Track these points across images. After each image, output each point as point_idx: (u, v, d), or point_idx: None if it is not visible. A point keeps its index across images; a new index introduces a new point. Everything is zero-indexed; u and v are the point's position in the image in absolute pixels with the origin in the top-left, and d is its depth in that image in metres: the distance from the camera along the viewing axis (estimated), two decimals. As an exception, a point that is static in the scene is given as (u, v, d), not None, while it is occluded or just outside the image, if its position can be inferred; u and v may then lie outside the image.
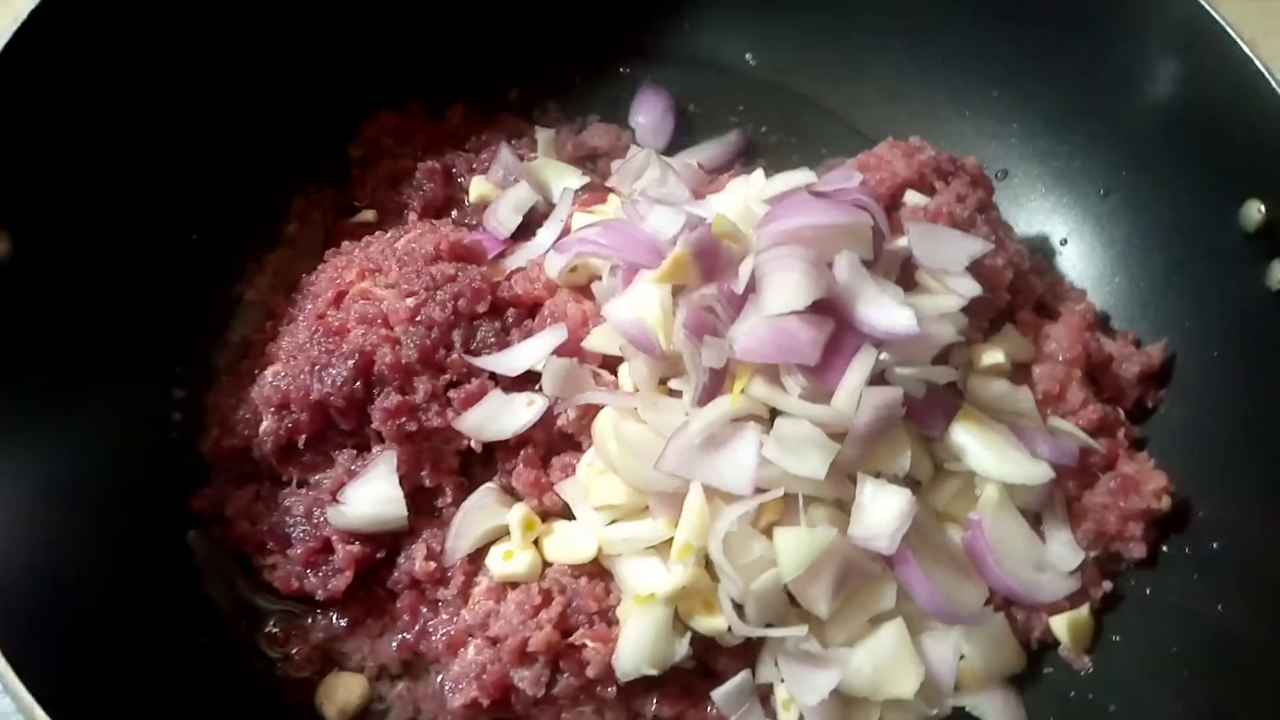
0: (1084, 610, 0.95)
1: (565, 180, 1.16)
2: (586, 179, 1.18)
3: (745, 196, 1.01)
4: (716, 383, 0.90)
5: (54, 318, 0.93)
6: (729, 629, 0.88)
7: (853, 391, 0.87)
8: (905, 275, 0.98)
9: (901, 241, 0.97)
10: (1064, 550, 0.96)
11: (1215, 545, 0.95)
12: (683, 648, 0.88)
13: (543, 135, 1.22)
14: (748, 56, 1.34)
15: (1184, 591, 0.96)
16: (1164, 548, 0.99)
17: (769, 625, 0.88)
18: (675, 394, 0.94)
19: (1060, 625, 0.95)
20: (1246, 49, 0.97)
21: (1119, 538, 0.97)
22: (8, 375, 0.86)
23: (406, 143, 1.20)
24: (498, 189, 1.15)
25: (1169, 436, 1.05)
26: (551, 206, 1.13)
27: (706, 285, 0.92)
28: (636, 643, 0.87)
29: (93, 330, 0.97)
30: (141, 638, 0.87)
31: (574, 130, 1.27)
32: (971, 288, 0.96)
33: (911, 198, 1.04)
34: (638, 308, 0.92)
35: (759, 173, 1.07)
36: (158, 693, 0.83)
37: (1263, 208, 0.97)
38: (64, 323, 0.93)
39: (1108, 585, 0.98)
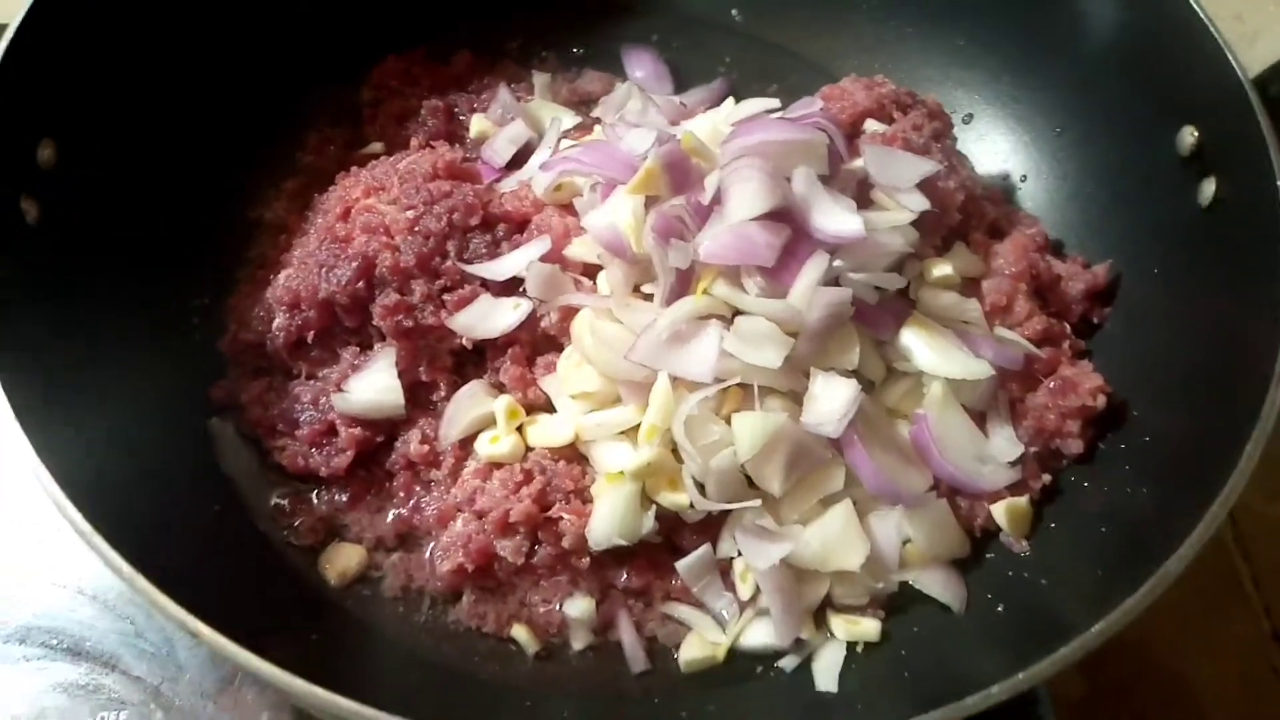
0: (1023, 499, 1.01)
1: (559, 118, 1.24)
2: (579, 119, 1.25)
3: (714, 120, 1.08)
4: (683, 284, 0.97)
5: (92, 226, 1.00)
6: (691, 505, 0.94)
7: (805, 291, 0.94)
8: (862, 194, 1.04)
9: (858, 163, 1.04)
10: (1005, 444, 1.02)
11: (1146, 439, 1.01)
12: (649, 521, 0.95)
13: (539, 79, 1.29)
14: (733, 12, 1.42)
15: (1114, 482, 1.01)
16: (1101, 445, 1.05)
17: (727, 501, 0.95)
18: (648, 298, 1.01)
19: (1000, 512, 1.00)
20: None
21: (1058, 434, 1.03)
22: (57, 277, 0.95)
23: (413, 85, 1.27)
24: (496, 125, 1.23)
25: (1111, 348, 1.10)
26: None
27: (675, 196, 0.99)
28: (608, 516, 0.94)
29: (125, 240, 1.04)
30: (176, 508, 0.95)
31: (570, 78, 1.34)
32: (921, 203, 1.02)
33: (871, 125, 1.10)
34: (612, 216, 0.99)
35: (729, 101, 1.14)
36: (190, 551, 0.90)
37: (1195, 132, 1.03)
38: (101, 230, 1.01)
39: (1046, 478, 1.03)
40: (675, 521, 0.98)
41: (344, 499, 1.02)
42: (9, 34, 0.92)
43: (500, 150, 1.18)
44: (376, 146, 1.23)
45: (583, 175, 1.06)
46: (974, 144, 1.28)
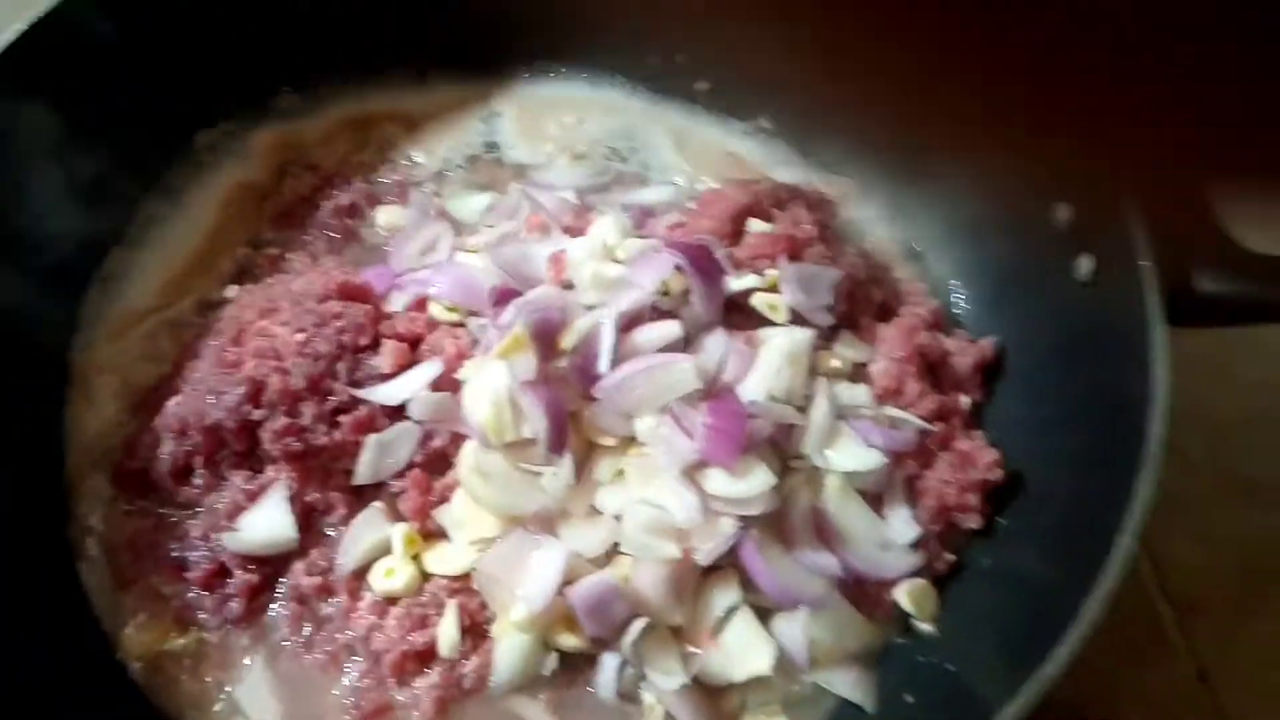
0: (923, 580, 1.01)
1: (472, 204, 1.24)
2: (489, 196, 1.25)
3: (599, 250, 1.06)
4: (560, 433, 0.96)
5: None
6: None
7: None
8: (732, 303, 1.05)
9: (734, 282, 1.04)
10: (903, 526, 1.01)
11: (1042, 509, 1.02)
12: (551, 661, 0.94)
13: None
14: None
15: (1016, 554, 1.01)
16: (1000, 519, 1.05)
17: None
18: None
19: (903, 595, 1.00)
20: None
21: (958, 509, 1.02)
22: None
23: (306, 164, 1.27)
24: (402, 221, 1.22)
25: (1005, 422, 1.11)
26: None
27: (543, 356, 0.97)
28: (507, 661, 0.93)
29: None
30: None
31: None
32: (827, 318, 1.05)
33: (755, 225, 1.10)
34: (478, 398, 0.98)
35: (613, 221, 1.11)
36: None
37: (1069, 209, 1.05)
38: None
39: (950, 557, 1.04)
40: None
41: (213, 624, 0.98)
42: None
43: (408, 258, 1.16)
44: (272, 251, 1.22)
45: (433, 299, 1.07)
46: (866, 211, 1.29)
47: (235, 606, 0.97)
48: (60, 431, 1.07)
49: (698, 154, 1.35)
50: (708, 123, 1.37)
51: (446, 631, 0.93)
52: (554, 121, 1.35)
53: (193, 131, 1.26)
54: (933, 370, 1.11)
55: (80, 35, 1.09)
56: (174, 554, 0.99)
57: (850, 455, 1.00)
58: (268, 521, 0.98)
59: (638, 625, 0.91)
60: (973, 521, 1.03)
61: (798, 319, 1.05)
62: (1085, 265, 1.04)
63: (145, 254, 1.19)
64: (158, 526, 1.01)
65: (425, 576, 0.97)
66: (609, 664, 0.94)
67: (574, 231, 1.12)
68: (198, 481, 1.01)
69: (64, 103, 1.08)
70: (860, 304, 1.12)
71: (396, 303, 1.08)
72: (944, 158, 1.18)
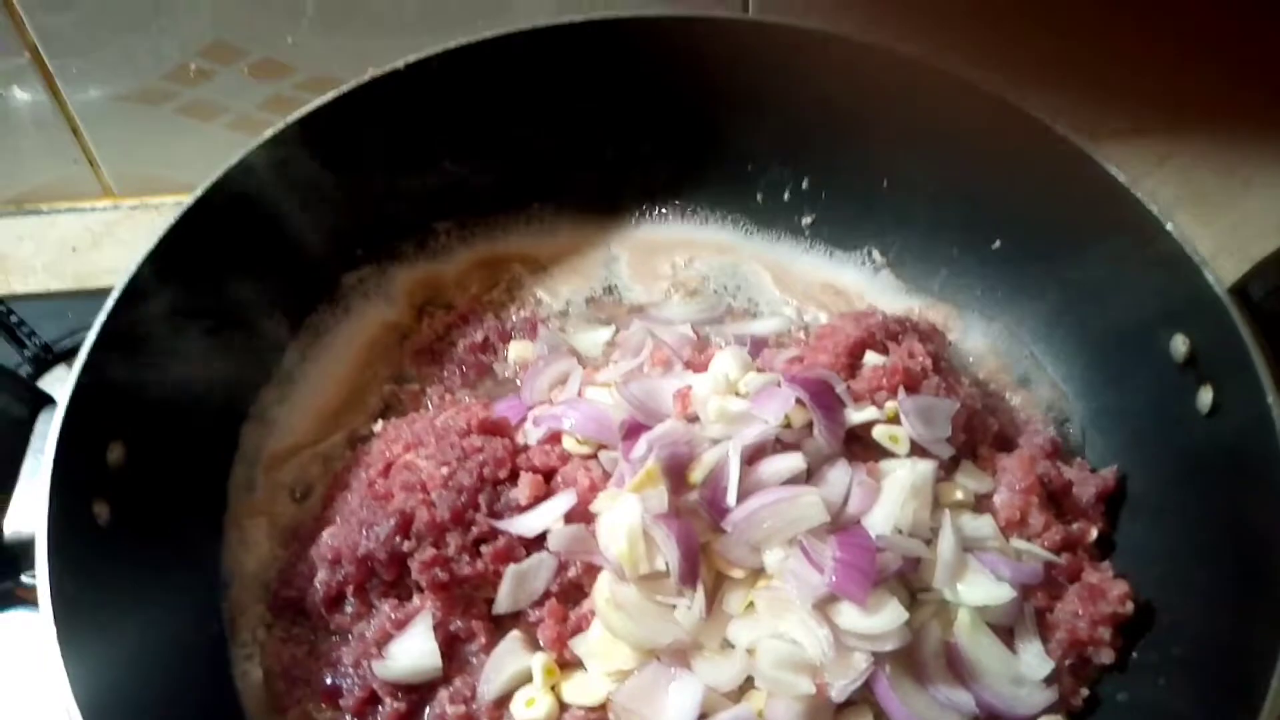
0: (1057, 716, 0.98)
1: (595, 337, 1.30)
2: (611, 329, 1.31)
3: (722, 384, 1.09)
4: (692, 564, 0.98)
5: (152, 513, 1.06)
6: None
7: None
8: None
9: (855, 414, 1.06)
10: (1036, 660, 0.99)
11: (1176, 650, 0.99)
12: None
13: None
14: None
15: (1151, 691, 0.99)
16: (1134, 654, 1.02)
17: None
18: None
19: (1038, 733, 0.98)
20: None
21: (1090, 643, 1.00)
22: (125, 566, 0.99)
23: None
24: (533, 355, 1.28)
25: (1131, 551, 1.09)
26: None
27: (676, 490, 1.00)
28: None
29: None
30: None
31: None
32: (948, 450, 1.06)
33: (870, 358, 1.13)
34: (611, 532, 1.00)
35: (733, 355, 1.14)
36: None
37: (1186, 340, 1.05)
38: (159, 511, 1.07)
39: (1085, 692, 1.01)
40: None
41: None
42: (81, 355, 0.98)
43: (538, 391, 1.21)
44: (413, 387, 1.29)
45: (567, 434, 1.11)
46: (977, 341, 1.31)
47: (385, 737, 0.99)
48: (220, 566, 1.14)
49: (797, 286, 1.39)
50: (809, 255, 1.42)
51: (580, 761, 0.94)
52: (667, 261, 1.41)
53: (338, 274, 1.36)
54: (1055, 500, 1.11)
55: (257, 180, 1.18)
56: (328, 681, 1.02)
57: (980, 589, 0.99)
58: (414, 650, 1.01)
59: (774, 762, 0.91)
60: (1106, 656, 1.01)
61: (917, 450, 1.06)
62: (1206, 397, 1.03)
63: (296, 392, 1.26)
64: (311, 653, 1.06)
65: (563, 706, 0.99)
66: (744, 800, 0.93)
67: (695, 366, 1.16)
68: (349, 609, 1.05)
69: (230, 249, 1.18)
70: (978, 434, 1.12)
71: (532, 436, 1.13)
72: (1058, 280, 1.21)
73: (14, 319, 1.41)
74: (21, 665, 1.21)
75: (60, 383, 0.98)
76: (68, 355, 1.46)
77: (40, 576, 0.87)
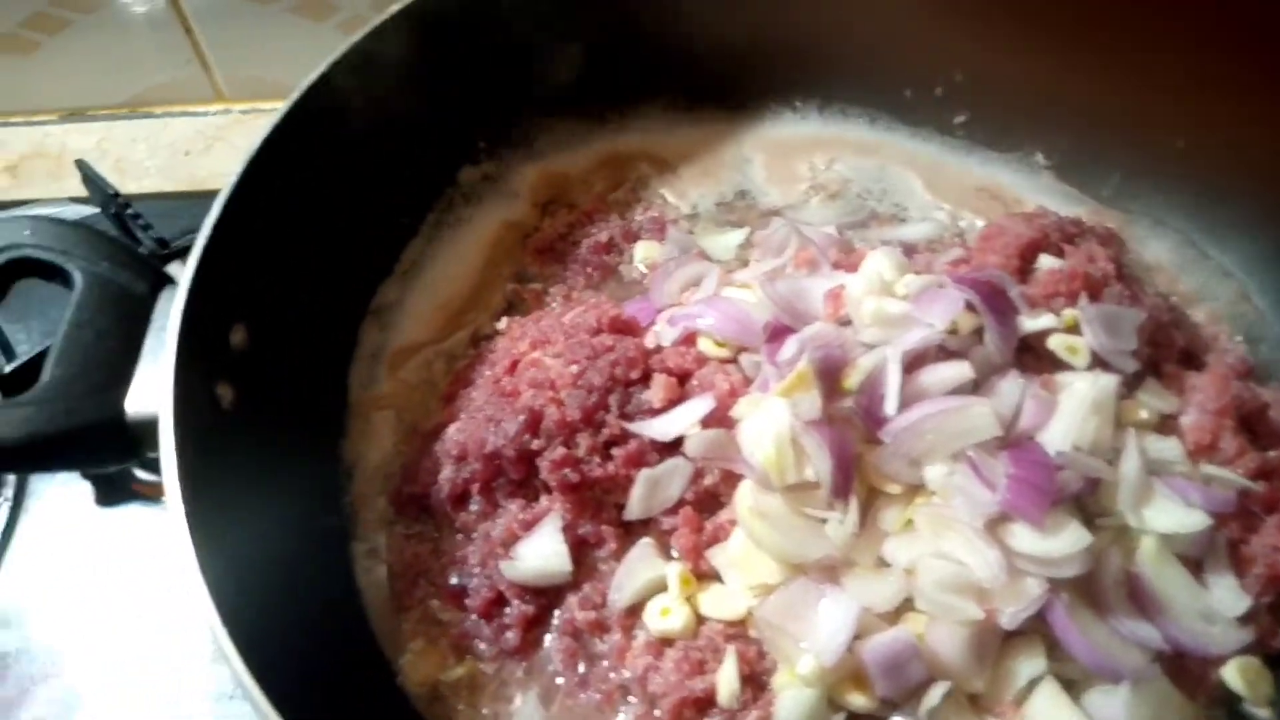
0: (1255, 657, 0.88)
1: (726, 240, 1.21)
2: (744, 232, 1.22)
3: (878, 285, 0.99)
4: (846, 476, 0.89)
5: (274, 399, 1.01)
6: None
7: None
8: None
9: (1029, 322, 0.96)
10: (1229, 596, 0.89)
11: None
12: None
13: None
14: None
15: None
16: (1344, 594, 0.91)
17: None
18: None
19: (1233, 675, 0.86)
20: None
21: (1293, 580, 0.90)
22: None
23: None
24: (660, 256, 1.19)
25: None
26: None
27: (829, 396, 0.91)
28: (791, 718, 0.84)
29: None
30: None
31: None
32: (1132, 364, 0.94)
33: (1044, 261, 1.01)
34: (757, 437, 0.92)
35: (887, 255, 1.03)
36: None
37: None
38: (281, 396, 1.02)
39: (1287, 633, 0.90)
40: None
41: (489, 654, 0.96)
42: (202, 235, 0.93)
43: (669, 293, 1.12)
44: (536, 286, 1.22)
45: (704, 334, 1.02)
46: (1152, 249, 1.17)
47: (512, 637, 0.94)
48: (342, 458, 1.09)
49: (949, 190, 1.27)
50: (962, 156, 1.29)
51: (726, 680, 0.87)
52: (805, 162, 1.30)
53: (457, 168, 1.28)
54: (1248, 425, 0.98)
55: (364, 75, 1.11)
56: (453, 581, 0.97)
57: (1169, 515, 0.88)
58: (543, 551, 0.95)
59: (938, 690, 0.82)
60: (1310, 595, 0.89)
61: (1098, 363, 0.95)
62: None
63: (417, 290, 1.20)
64: (435, 551, 1.01)
65: (699, 619, 0.92)
66: (899, 728, 0.85)
67: (844, 267, 1.06)
68: (474, 507, 1.00)
69: (343, 143, 1.11)
70: (1163, 349, 1.00)
71: (665, 337, 1.05)
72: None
73: (130, 212, 1.38)
74: (138, 560, 1.20)
75: (178, 274, 0.93)
76: (183, 253, 1.42)
77: (166, 454, 0.82)
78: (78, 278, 0.97)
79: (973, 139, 1.28)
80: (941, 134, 1.29)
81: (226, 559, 0.79)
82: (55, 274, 0.99)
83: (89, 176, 1.39)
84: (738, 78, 1.31)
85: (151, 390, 0.91)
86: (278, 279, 1.03)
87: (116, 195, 1.39)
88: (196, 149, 1.72)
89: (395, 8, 1.12)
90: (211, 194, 0.95)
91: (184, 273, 0.92)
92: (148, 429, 0.87)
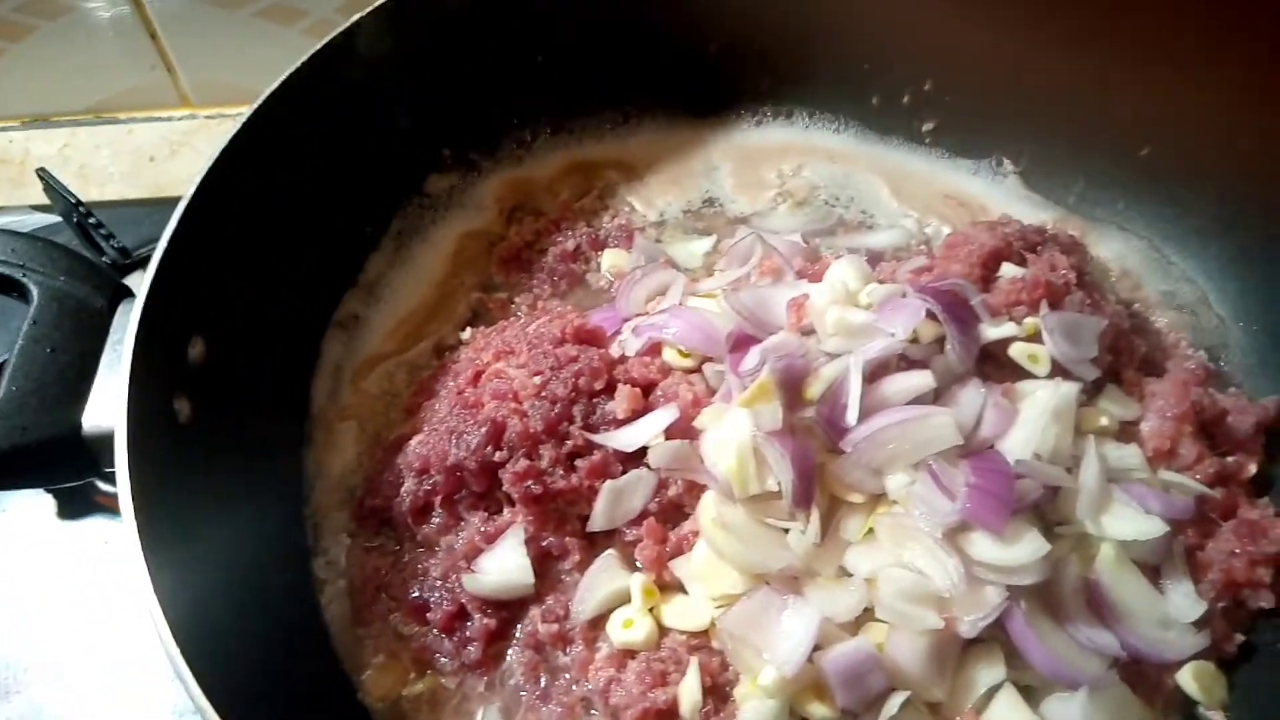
0: (1209, 662, 0.89)
1: (694, 248, 1.21)
2: (711, 239, 1.22)
3: (841, 295, 0.99)
4: (807, 486, 0.89)
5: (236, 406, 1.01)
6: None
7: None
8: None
9: (991, 329, 0.96)
10: (1185, 602, 0.90)
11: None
12: None
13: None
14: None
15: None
16: (1295, 599, 0.92)
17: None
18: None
19: (1186, 678, 0.88)
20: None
21: (1247, 585, 0.91)
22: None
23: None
24: (627, 264, 1.19)
25: (1286, 488, 0.98)
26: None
27: (790, 406, 0.91)
28: None
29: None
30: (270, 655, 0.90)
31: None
32: (1093, 371, 0.95)
33: (1007, 269, 1.02)
34: (720, 448, 0.92)
35: (851, 264, 1.04)
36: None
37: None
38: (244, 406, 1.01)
39: (1239, 638, 0.91)
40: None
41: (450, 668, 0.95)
42: (161, 246, 0.92)
43: (635, 302, 1.12)
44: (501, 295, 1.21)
45: (668, 344, 1.02)
46: (1113, 257, 1.18)
47: (473, 651, 0.94)
48: (304, 470, 1.08)
49: (916, 196, 1.28)
50: (929, 163, 1.30)
51: (689, 691, 0.87)
52: (773, 170, 1.31)
53: (423, 176, 1.28)
54: (1208, 431, 0.99)
55: (329, 81, 1.10)
56: (414, 595, 0.97)
57: (1126, 522, 0.89)
58: (505, 564, 0.94)
59: (897, 699, 0.83)
60: (1264, 600, 0.91)
61: (1059, 371, 0.96)
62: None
63: (381, 300, 1.20)
64: (396, 565, 1.00)
65: (662, 630, 0.92)
66: (859, 738, 0.85)
67: (809, 276, 1.06)
68: (436, 520, 0.99)
69: (306, 151, 1.10)
70: (1124, 356, 1.01)
71: (630, 347, 1.04)
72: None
73: (92, 221, 1.36)
74: (102, 573, 1.19)
75: (139, 284, 0.92)
76: (145, 262, 1.41)
77: (120, 470, 0.81)
78: (35, 292, 0.96)
79: (940, 146, 1.29)
80: (909, 141, 1.30)
81: (181, 574, 0.78)
82: (12, 288, 0.97)
83: (51, 186, 1.38)
84: (706, 85, 1.31)
85: (108, 405, 0.90)
86: (238, 290, 1.02)
87: (79, 204, 1.37)
88: (161, 155, 1.71)
89: (361, 14, 1.11)
90: (177, 201, 0.94)
91: (142, 281, 0.91)
92: (105, 444, 0.86)
